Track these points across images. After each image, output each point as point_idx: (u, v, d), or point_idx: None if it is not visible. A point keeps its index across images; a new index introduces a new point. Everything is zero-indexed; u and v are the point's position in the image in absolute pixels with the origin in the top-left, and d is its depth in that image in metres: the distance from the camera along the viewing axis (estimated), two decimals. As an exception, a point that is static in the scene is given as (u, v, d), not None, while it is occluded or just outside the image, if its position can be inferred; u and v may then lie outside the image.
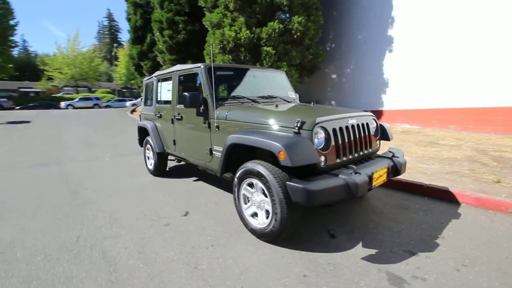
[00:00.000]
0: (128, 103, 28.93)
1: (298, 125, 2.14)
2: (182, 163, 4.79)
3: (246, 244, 2.32)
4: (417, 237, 2.37)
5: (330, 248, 2.22)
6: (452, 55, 6.62)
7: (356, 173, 2.11)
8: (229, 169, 2.75)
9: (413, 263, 2.00)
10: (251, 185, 2.40)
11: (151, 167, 4.61)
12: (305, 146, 2.04)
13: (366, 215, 2.84)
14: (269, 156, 2.28)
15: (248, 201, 2.49)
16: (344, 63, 10.04)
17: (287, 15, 8.50)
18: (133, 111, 17.94)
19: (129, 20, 13.83)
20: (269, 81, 3.70)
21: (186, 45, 10.87)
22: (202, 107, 3.01)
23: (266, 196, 2.24)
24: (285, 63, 8.03)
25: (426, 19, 7.13)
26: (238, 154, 2.62)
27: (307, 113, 2.41)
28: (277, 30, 7.68)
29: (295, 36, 8.03)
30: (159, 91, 4.20)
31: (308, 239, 2.37)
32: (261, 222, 2.32)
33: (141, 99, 5.03)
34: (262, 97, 3.32)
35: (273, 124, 2.33)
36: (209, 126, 2.99)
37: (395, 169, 2.56)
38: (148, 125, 4.38)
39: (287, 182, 1.99)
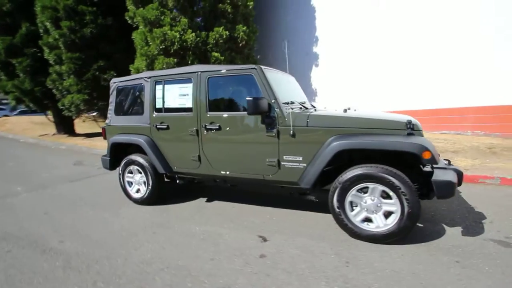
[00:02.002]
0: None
1: (411, 127, 2.30)
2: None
3: (372, 251, 2.24)
4: (463, 210, 2.99)
5: (434, 235, 2.46)
6: (366, 70, 8.45)
7: (449, 164, 2.48)
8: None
9: (491, 229, 2.52)
10: (361, 190, 2.35)
11: (139, 195, 3.54)
12: (433, 145, 2.23)
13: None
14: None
15: (354, 208, 2.41)
16: (272, 74, 10.83)
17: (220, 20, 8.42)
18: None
19: (-15, 0, 9.75)
20: (294, 85, 3.66)
21: (95, 42, 8.79)
22: (267, 114, 2.65)
23: (387, 198, 2.27)
24: (231, 70, 7.93)
25: (346, 40, 8.76)
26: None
27: (399, 115, 2.60)
28: (224, 37, 7.48)
29: (240, 45, 8.07)
30: (158, 96, 3.32)
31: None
32: (380, 225, 2.31)
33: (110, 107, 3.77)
34: (301, 103, 3.24)
35: (381, 128, 2.38)
36: (278, 135, 2.67)
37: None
38: (141, 140, 3.36)
39: (433, 178, 2.11)
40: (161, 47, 7.03)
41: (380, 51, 8.10)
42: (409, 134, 2.31)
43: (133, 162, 3.49)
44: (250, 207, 3.35)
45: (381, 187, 2.26)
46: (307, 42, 9.65)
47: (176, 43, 6.99)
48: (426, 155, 2.10)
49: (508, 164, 4.39)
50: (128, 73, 8.11)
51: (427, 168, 2.46)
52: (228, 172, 3.02)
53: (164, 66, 6.99)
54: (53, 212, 3.46)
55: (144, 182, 3.49)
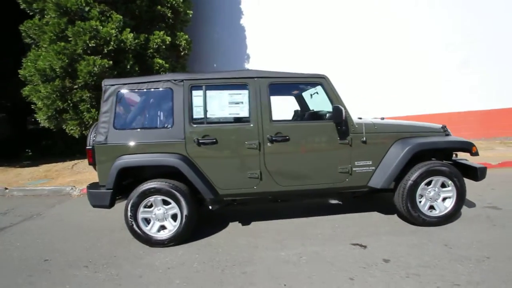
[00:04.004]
0: None
1: (446, 129, 2.97)
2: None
3: (445, 232, 2.67)
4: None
5: (456, 212, 3.21)
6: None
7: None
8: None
9: (480, 199, 3.48)
10: (428, 183, 2.79)
11: (168, 234, 2.67)
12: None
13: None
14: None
15: (421, 198, 2.82)
16: (200, 87, 10.42)
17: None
18: None
19: None
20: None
21: None
22: (343, 122, 2.71)
23: (445, 186, 2.80)
24: (173, 80, 7.11)
25: (276, 58, 9.56)
26: None
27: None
28: (167, 42, 6.68)
29: (182, 53, 7.40)
30: (197, 103, 2.68)
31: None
32: (442, 209, 2.80)
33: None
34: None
35: (429, 131, 2.93)
36: (351, 142, 2.76)
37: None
38: (176, 160, 2.57)
39: (478, 166, 2.78)
40: (90, 45, 5.48)
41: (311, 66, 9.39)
42: (446, 135, 2.98)
43: (158, 191, 2.61)
44: (294, 221, 3.16)
45: (442, 179, 2.77)
46: (237, 58, 9.96)
47: (112, 43, 5.65)
48: (474, 150, 2.80)
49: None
50: (14, 74, 5.82)
51: (447, 161, 3.21)
52: (293, 186, 2.81)
53: (96, 68, 5.48)
54: (37, 282, 2.08)
55: (174, 215, 2.67)
